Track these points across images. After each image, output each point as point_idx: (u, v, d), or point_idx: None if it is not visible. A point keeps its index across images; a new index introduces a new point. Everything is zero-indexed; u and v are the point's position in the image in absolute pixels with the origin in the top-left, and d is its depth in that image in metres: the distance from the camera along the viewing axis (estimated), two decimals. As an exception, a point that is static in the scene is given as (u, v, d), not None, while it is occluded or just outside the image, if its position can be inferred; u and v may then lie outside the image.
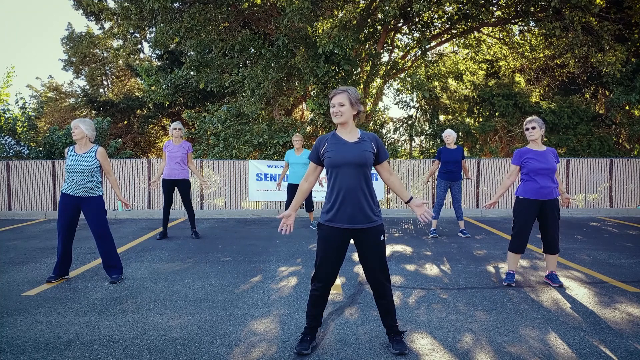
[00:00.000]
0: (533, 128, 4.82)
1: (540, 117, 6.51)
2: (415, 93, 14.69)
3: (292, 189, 8.69)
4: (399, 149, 14.53)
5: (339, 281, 5.13)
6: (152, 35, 14.70)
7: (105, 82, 26.40)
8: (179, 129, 7.62)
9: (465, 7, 13.08)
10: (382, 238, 3.24)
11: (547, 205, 4.79)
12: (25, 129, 13.24)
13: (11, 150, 13.16)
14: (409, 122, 15.28)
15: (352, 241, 3.27)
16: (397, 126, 15.25)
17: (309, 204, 8.87)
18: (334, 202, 3.19)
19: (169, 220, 8.15)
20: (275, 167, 11.51)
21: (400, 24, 14.49)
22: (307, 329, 3.37)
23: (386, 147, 13.09)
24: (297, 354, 3.25)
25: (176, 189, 7.70)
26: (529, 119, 4.91)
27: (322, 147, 3.25)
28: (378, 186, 11.48)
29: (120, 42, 17.41)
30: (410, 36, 15.55)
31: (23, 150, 13.22)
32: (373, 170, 12.37)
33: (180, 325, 3.84)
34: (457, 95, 16.03)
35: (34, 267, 5.86)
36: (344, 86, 3.29)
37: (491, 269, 5.71)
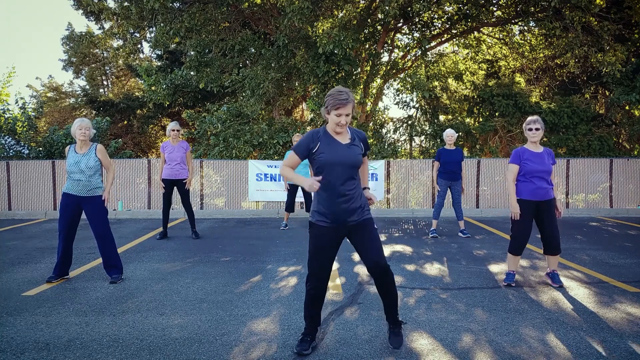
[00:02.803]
0: (537, 129, 4.75)
1: (540, 117, 6.48)
2: (415, 93, 14.69)
3: (293, 189, 8.71)
4: (399, 149, 14.53)
5: (339, 281, 5.13)
6: (152, 35, 14.69)
7: (105, 82, 26.39)
8: (177, 130, 7.61)
9: (465, 7, 13.08)
10: (375, 226, 3.29)
11: (544, 206, 4.78)
12: (25, 129, 13.23)
13: (11, 150, 13.14)
14: (409, 122, 15.27)
15: (347, 240, 3.28)
16: (397, 126, 15.25)
17: (308, 204, 8.87)
18: (325, 202, 3.20)
19: (169, 221, 8.15)
20: (276, 167, 11.51)
21: (400, 24, 14.48)
22: (307, 329, 3.37)
23: (386, 147, 13.09)
24: (297, 354, 3.26)
25: (175, 188, 7.70)
26: (532, 118, 4.82)
27: (314, 145, 3.17)
28: (378, 186, 11.48)
29: (120, 42, 17.40)
30: (410, 36, 15.55)
31: (23, 150, 13.21)
32: (372, 170, 12.24)
33: (180, 325, 3.84)
34: (457, 95, 16.03)
35: (34, 267, 5.86)
36: (342, 88, 3.15)
37: (491, 269, 5.71)
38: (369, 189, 3.42)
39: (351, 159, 3.17)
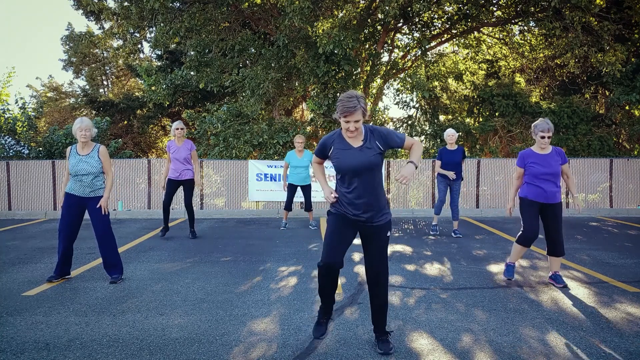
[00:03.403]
0: (549, 137, 4.73)
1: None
2: (415, 93, 14.67)
3: (292, 189, 8.71)
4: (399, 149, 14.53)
5: (339, 281, 5.12)
6: (152, 35, 14.70)
7: (105, 82, 26.39)
8: (182, 129, 7.58)
9: (465, 7, 13.08)
10: (388, 234, 3.30)
11: (549, 208, 4.80)
12: (25, 129, 13.23)
13: (11, 150, 13.14)
14: (409, 122, 15.28)
15: (356, 241, 3.30)
16: (397, 126, 15.25)
17: (307, 203, 8.87)
18: (342, 201, 3.26)
19: (169, 220, 8.13)
20: (276, 167, 11.51)
21: (400, 24, 14.49)
22: (322, 308, 3.44)
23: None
24: (315, 338, 3.38)
25: (179, 188, 7.68)
26: (546, 126, 4.72)
27: (328, 150, 3.27)
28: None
29: (120, 42, 17.41)
30: (410, 36, 15.56)
31: (23, 150, 13.20)
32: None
33: (180, 325, 3.84)
34: (457, 95, 16.03)
35: (34, 267, 5.86)
36: (352, 94, 3.08)
37: (491, 269, 5.71)
38: (413, 163, 3.09)
39: (362, 162, 3.15)
